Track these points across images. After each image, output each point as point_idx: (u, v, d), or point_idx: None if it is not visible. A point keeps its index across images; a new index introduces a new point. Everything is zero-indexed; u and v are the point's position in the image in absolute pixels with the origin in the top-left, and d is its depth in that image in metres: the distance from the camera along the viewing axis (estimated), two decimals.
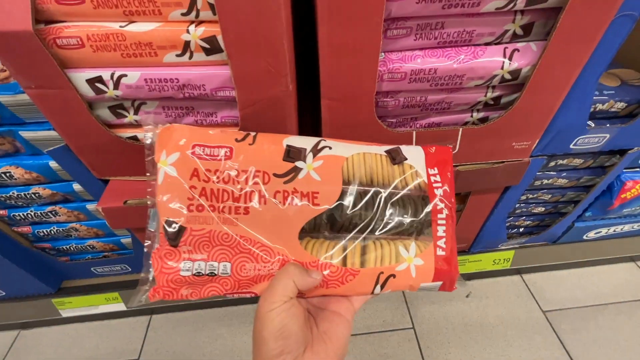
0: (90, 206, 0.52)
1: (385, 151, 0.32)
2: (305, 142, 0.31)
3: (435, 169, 0.33)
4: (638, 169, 0.54)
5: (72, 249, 0.59)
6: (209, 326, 0.68)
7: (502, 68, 0.36)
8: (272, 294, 0.26)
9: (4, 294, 0.62)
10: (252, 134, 0.31)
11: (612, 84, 0.44)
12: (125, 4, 0.30)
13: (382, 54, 0.35)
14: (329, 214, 0.29)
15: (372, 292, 0.30)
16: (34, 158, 0.44)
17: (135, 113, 0.37)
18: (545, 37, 0.35)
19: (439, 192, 0.32)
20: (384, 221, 0.30)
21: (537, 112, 0.40)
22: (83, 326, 0.69)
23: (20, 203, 0.50)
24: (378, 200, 0.30)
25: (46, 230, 0.55)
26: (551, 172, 0.52)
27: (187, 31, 0.31)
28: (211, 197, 0.28)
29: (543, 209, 0.60)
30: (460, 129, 0.41)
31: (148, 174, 0.28)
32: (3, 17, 0.29)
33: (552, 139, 0.44)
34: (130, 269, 0.64)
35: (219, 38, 0.31)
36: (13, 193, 0.48)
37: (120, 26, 0.31)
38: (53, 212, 0.52)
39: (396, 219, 0.30)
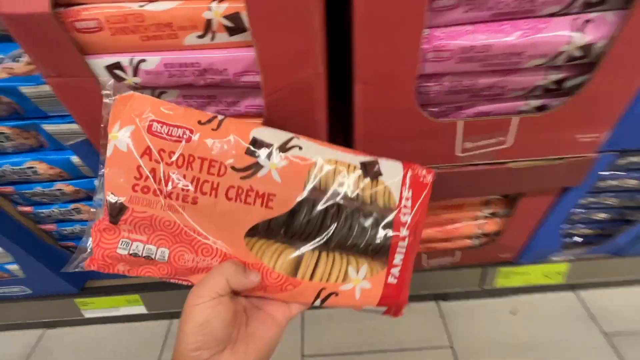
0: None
1: (361, 162, 0.30)
2: (275, 137, 0.29)
3: (410, 191, 0.30)
4: None
5: None
6: None
7: (569, 43, 0.30)
8: (201, 289, 0.25)
9: (30, 292, 0.62)
10: (220, 117, 0.28)
11: None
12: None
13: (427, 30, 0.30)
14: (284, 218, 0.28)
15: (311, 304, 0.29)
16: (57, 153, 0.44)
17: None
18: (625, 6, 0.29)
19: (406, 218, 0.29)
20: (341, 237, 0.29)
21: (611, 97, 0.34)
22: (104, 328, 0.68)
23: (44, 200, 0.50)
24: (339, 213, 0.29)
25: (70, 229, 0.54)
26: (620, 172, 0.45)
27: (209, 8, 0.28)
28: (160, 181, 0.26)
29: (606, 215, 0.53)
30: (516, 119, 0.35)
31: (101, 141, 0.27)
32: None
33: (627, 131, 0.38)
34: None
35: (243, 15, 0.28)
36: (38, 189, 0.47)
37: (140, 6, 0.29)
38: (76, 210, 0.51)
39: (354, 236, 0.29)
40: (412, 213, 0.30)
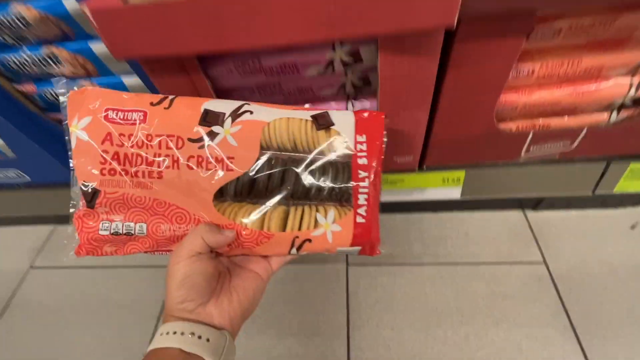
0: (95, 45, 0.37)
1: (311, 116, 0.31)
2: (226, 107, 0.30)
3: (364, 136, 0.31)
4: None
5: None
6: None
7: None
8: (179, 249, 0.27)
9: (28, 179, 0.54)
10: (170, 97, 0.30)
11: None
12: None
13: None
14: (247, 179, 0.29)
15: (289, 253, 0.30)
16: None
17: None
18: None
19: (362, 160, 0.30)
20: (304, 188, 0.29)
21: None
22: None
23: (7, 38, 0.36)
24: (298, 166, 0.29)
25: (53, 91, 0.42)
26: None
27: None
28: (124, 162, 0.28)
29: None
30: None
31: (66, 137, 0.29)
32: None
33: None
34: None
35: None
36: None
37: None
38: (52, 57, 0.38)
39: (316, 185, 0.30)
40: (368, 155, 0.30)
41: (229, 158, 0.28)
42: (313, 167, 0.29)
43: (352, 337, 0.41)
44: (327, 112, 0.31)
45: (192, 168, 0.28)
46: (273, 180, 0.29)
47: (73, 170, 0.28)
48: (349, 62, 0.32)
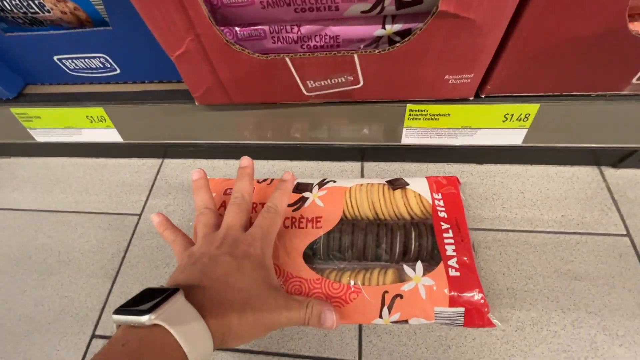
0: None
1: (386, 181, 0.35)
2: (313, 179, 0.36)
3: (440, 194, 0.33)
4: None
5: (10, 6, 0.32)
6: None
7: None
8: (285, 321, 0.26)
9: None
10: (270, 178, 0.37)
11: None
12: None
13: None
14: (331, 238, 0.31)
15: (380, 316, 0.28)
16: None
17: None
18: None
19: (442, 214, 0.32)
20: (388, 247, 0.30)
21: None
22: (71, 161, 0.48)
23: None
24: (381, 226, 0.31)
25: None
26: None
27: None
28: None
29: None
30: None
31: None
32: None
33: None
34: (117, 69, 0.37)
35: None
36: None
37: None
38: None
39: (400, 244, 0.30)
40: (447, 209, 0.32)
41: (317, 218, 0.32)
42: (394, 226, 0.31)
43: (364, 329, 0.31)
44: (400, 177, 0.35)
45: (287, 227, 0.32)
46: (356, 239, 0.31)
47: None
48: None
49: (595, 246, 0.33)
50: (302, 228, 0.32)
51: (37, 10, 0.32)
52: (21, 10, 0.33)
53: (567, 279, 0.32)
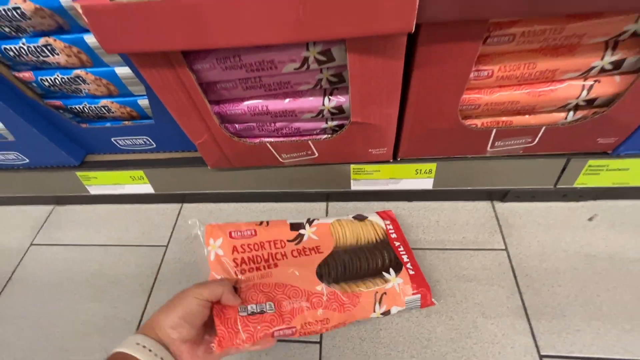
0: (88, 38, 0.39)
1: (352, 217, 0.51)
2: (301, 219, 0.50)
3: (388, 221, 0.51)
4: None
5: (87, 111, 0.49)
6: (243, 219, 0.58)
7: None
8: (203, 288, 0.34)
9: (27, 161, 0.57)
10: (265, 221, 0.49)
11: None
12: None
13: None
14: (332, 263, 0.45)
15: (374, 311, 0.41)
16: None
17: None
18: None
19: (393, 235, 0.49)
20: (363, 266, 0.45)
21: None
22: (113, 207, 0.64)
23: (6, 29, 0.39)
24: (362, 250, 0.47)
25: (50, 79, 0.44)
26: None
27: None
28: (249, 262, 0.44)
29: None
30: None
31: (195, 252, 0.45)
32: None
33: None
34: (154, 145, 0.54)
35: None
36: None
37: None
38: (48, 48, 0.40)
39: (379, 260, 0.45)
40: (395, 231, 0.49)
41: (317, 247, 0.46)
42: (367, 248, 0.46)
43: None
44: (361, 214, 0.51)
45: (295, 256, 0.44)
46: (350, 262, 0.44)
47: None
48: (323, 61, 0.35)
49: (483, 258, 0.48)
50: (308, 255, 0.45)
51: (105, 112, 0.50)
52: (94, 112, 0.50)
53: (463, 281, 0.46)
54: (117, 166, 0.56)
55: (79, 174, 0.57)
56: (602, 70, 0.35)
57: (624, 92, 0.36)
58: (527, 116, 0.41)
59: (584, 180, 0.48)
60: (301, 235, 0.47)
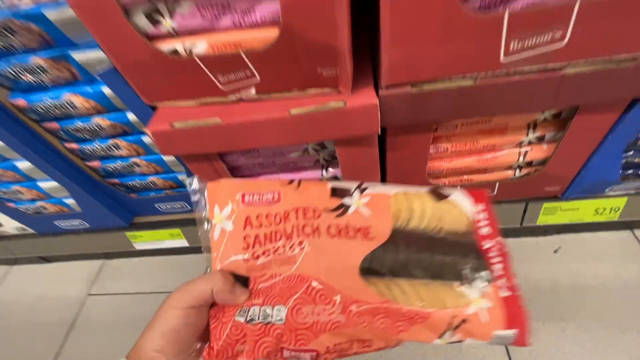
0: (147, 139, 0.53)
1: (429, 190, 0.32)
2: (349, 184, 0.32)
3: (481, 206, 0.31)
4: None
5: (137, 185, 0.62)
6: None
7: None
8: (184, 293, 0.25)
9: (88, 225, 0.70)
10: (297, 180, 0.32)
11: None
12: None
13: None
14: (384, 251, 0.28)
15: (440, 337, 0.26)
16: (90, 85, 0.45)
17: (171, 17, 0.34)
18: None
19: (484, 230, 0.30)
20: (437, 262, 0.28)
21: None
22: (154, 259, 0.75)
23: (86, 136, 0.53)
24: (431, 240, 0.29)
25: (113, 165, 0.58)
26: None
27: None
28: (265, 242, 0.29)
29: None
30: (577, 5, 0.29)
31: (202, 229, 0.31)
32: None
33: None
34: (189, 207, 0.66)
35: None
36: (78, 124, 0.50)
37: None
38: (115, 146, 0.54)
39: (449, 259, 0.28)
40: (490, 223, 0.30)
41: (366, 228, 0.28)
42: (440, 238, 0.29)
43: None
44: (441, 186, 0.33)
45: (333, 236, 0.28)
46: (410, 253, 0.28)
47: (209, 264, 0.29)
48: (318, 149, 0.47)
49: None
50: (352, 238, 0.28)
51: (152, 185, 0.63)
52: (143, 186, 0.63)
53: None
54: (159, 226, 0.68)
55: (127, 233, 0.70)
56: (530, 142, 0.46)
57: (552, 156, 0.46)
58: (484, 174, 0.52)
59: (544, 219, 0.57)
60: (345, 206, 0.30)
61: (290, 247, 0.28)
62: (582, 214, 0.56)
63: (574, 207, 0.55)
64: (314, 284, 0.27)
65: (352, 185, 0.32)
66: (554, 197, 0.55)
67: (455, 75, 0.35)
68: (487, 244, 0.29)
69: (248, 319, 0.26)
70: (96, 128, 0.51)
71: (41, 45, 0.41)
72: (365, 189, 0.31)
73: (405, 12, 0.30)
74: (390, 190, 0.32)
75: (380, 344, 0.27)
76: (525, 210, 0.56)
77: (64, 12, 0.37)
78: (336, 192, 0.31)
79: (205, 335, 0.26)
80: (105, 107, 0.48)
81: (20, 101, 0.47)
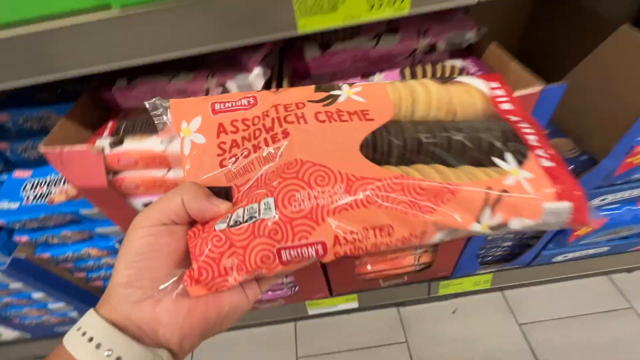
0: None
1: (431, 78, 0.29)
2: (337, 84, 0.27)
3: (496, 83, 0.27)
4: None
5: None
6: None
7: None
8: (150, 210, 0.21)
9: None
10: (275, 88, 0.30)
11: None
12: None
13: None
14: (388, 132, 0.23)
15: (478, 220, 0.21)
16: (105, 240, 0.60)
17: None
18: None
19: (505, 106, 0.26)
20: (456, 142, 0.23)
21: None
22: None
23: (94, 268, 0.67)
24: (442, 122, 0.25)
25: None
26: None
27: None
28: (243, 142, 0.24)
29: (511, 243, 0.71)
30: None
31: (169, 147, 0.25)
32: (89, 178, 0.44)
33: None
34: None
35: None
36: (90, 263, 0.64)
37: (162, 175, 0.45)
38: None
39: (471, 135, 0.23)
40: (510, 100, 0.26)
41: (363, 111, 0.24)
42: (457, 123, 0.24)
43: None
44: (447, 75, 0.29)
45: (322, 121, 0.23)
46: (421, 137, 0.23)
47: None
48: None
49: (388, 351, 0.78)
50: (346, 121, 0.23)
51: None
52: None
53: None
54: None
55: None
56: (421, 251, 0.69)
57: (435, 259, 0.70)
58: (395, 270, 0.74)
59: (443, 290, 0.81)
60: (334, 96, 0.26)
61: (273, 139, 0.23)
62: (466, 286, 0.80)
63: (460, 282, 0.79)
64: (306, 166, 0.21)
65: (340, 84, 0.27)
66: (446, 277, 0.79)
67: None
68: (512, 118, 0.25)
69: (231, 223, 0.21)
70: (104, 264, 0.65)
71: (70, 222, 0.56)
72: (354, 84, 0.27)
73: None
74: (384, 81, 0.28)
75: (404, 231, 0.21)
76: (429, 287, 0.80)
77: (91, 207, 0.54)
78: (321, 88, 0.26)
79: (187, 263, 0.21)
80: (115, 252, 0.63)
81: (46, 255, 0.61)
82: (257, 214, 0.20)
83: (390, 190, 0.21)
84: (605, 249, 0.76)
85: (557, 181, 0.21)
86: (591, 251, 0.75)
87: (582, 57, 0.50)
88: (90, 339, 0.19)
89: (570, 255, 0.75)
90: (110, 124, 0.48)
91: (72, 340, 0.19)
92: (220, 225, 0.21)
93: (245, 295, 0.22)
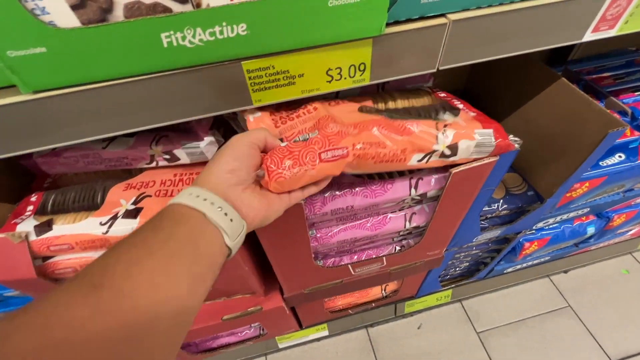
0: None
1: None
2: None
3: (445, 93, 0.43)
4: (532, 233, 0.69)
5: None
6: None
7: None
8: (247, 135, 0.30)
9: None
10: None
11: (498, 196, 0.57)
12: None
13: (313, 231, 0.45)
14: (376, 102, 0.40)
15: (436, 142, 0.35)
16: None
17: None
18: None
19: (442, 94, 0.42)
20: (417, 110, 0.38)
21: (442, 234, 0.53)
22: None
23: None
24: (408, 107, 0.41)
25: None
26: (463, 251, 0.66)
27: None
28: (287, 116, 0.37)
29: (468, 263, 0.75)
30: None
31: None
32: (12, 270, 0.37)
33: (456, 242, 0.57)
34: None
35: None
36: None
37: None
38: None
39: (427, 109, 0.38)
40: (445, 94, 0.43)
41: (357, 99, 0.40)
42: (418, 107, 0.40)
43: None
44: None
45: (334, 105, 0.38)
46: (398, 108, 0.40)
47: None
48: None
49: None
50: (347, 103, 0.39)
51: None
52: None
53: None
54: None
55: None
56: (387, 285, 0.70)
57: (401, 286, 0.72)
58: (364, 299, 0.75)
59: (409, 309, 0.84)
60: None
61: (307, 111, 0.36)
62: (429, 302, 0.84)
63: (423, 300, 0.83)
64: (331, 117, 0.35)
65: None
66: (411, 297, 0.81)
67: (328, 282, 0.56)
68: (447, 98, 0.41)
69: (292, 140, 0.34)
70: None
71: None
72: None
73: (283, 261, 0.49)
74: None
75: (393, 147, 0.34)
76: (395, 308, 0.82)
77: None
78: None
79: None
80: None
81: None
82: (308, 136, 0.33)
83: (383, 125, 0.35)
84: (547, 257, 0.84)
85: (481, 120, 0.37)
86: (535, 261, 0.82)
87: (519, 97, 0.52)
88: (205, 199, 0.26)
89: (519, 267, 0.82)
90: (34, 197, 0.41)
91: (185, 199, 0.25)
92: (284, 144, 0.32)
93: (285, 200, 0.32)
